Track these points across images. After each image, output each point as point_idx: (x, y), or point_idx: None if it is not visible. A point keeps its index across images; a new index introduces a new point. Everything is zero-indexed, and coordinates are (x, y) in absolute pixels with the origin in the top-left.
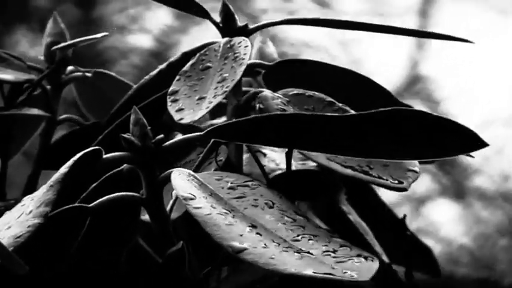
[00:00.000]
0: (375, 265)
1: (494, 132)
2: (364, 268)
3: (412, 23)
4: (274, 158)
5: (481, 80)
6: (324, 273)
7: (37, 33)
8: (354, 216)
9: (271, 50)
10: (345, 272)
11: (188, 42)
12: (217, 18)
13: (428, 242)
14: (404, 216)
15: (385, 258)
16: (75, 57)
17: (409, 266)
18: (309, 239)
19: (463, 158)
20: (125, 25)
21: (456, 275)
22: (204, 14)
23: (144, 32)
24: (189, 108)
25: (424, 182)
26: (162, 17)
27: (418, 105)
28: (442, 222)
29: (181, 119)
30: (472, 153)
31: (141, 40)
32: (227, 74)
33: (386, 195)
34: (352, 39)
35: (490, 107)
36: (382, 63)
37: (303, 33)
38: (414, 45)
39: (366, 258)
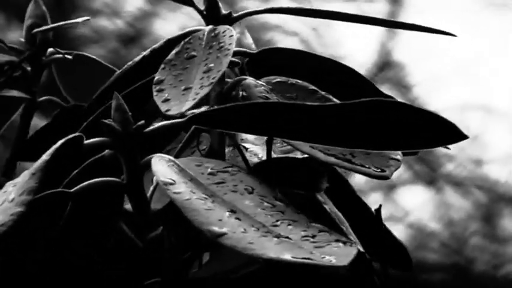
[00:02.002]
0: (353, 250)
1: (467, 118)
2: (342, 253)
3: (384, 8)
4: (256, 151)
5: (453, 66)
6: (303, 258)
7: (12, 18)
8: (329, 206)
9: (249, 40)
10: (323, 257)
11: (162, 26)
12: (201, 6)
13: (399, 227)
14: (380, 207)
15: (360, 247)
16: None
17: (383, 261)
18: (288, 224)
19: None
20: (99, 9)
21: (426, 261)
22: (188, 1)
23: (117, 16)
24: (175, 99)
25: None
26: (135, 1)
27: (390, 91)
28: (413, 208)
29: (168, 110)
30: (449, 146)
31: (115, 24)
32: (212, 64)
33: (358, 182)
34: (323, 23)
35: (462, 93)
36: (354, 48)
37: (275, 18)
38: (386, 30)
39: (344, 243)
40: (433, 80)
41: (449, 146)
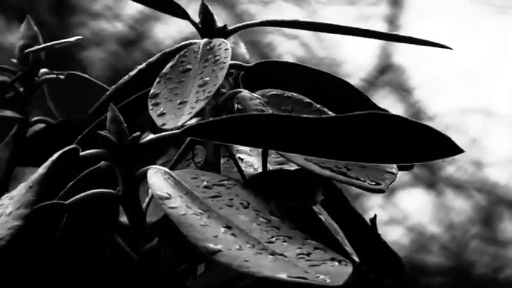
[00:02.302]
0: (348, 269)
1: (466, 121)
2: (337, 273)
3: (384, 11)
4: (252, 162)
5: (453, 69)
6: (298, 277)
7: (11, 21)
8: (324, 216)
9: (243, 50)
10: (318, 276)
11: (162, 29)
12: (196, 19)
13: (399, 230)
14: (375, 216)
15: (355, 257)
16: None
17: (380, 273)
18: (283, 241)
19: None
20: (100, 12)
21: (426, 264)
22: (183, 15)
23: (118, 19)
24: (170, 113)
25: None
26: (136, 5)
27: (390, 94)
28: (413, 211)
29: (163, 124)
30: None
31: (115, 27)
32: (208, 78)
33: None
34: None
35: (462, 96)
36: (354, 51)
37: None
38: None
39: (339, 262)
40: (433, 83)
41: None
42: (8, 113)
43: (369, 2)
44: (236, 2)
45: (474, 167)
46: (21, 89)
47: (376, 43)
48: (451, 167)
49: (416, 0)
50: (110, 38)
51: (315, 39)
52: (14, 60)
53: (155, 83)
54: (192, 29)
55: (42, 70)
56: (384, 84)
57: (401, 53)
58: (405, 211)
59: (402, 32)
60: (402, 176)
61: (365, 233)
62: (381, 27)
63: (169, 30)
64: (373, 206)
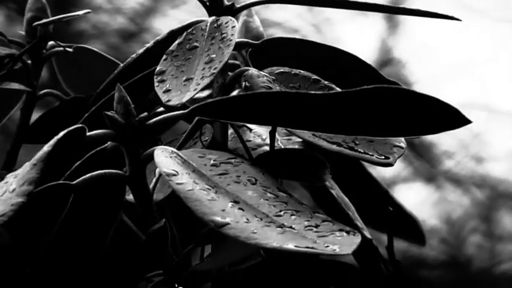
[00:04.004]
0: (356, 239)
1: (467, 116)
2: (346, 242)
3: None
4: (261, 133)
5: (454, 63)
6: (306, 247)
7: (13, 12)
8: (336, 191)
9: (257, 23)
10: (327, 246)
11: (163, 22)
12: None
13: None
14: (387, 191)
15: (366, 233)
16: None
17: (391, 235)
18: (291, 215)
19: (436, 141)
20: (100, 4)
21: (425, 258)
22: None
23: (118, 12)
24: (176, 90)
25: (395, 165)
26: None
27: None
28: (412, 205)
29: (168, 100)
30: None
31: (116, 20)
32: (214, 55)
33: None
34: (324, 20)
35: (462, 91)
36: (355, 45)
37: (276, 15)
38: (386, 28)
39: (348, 232)
40: (434, 78)
41: (450, 142)
42: (16, 85)
43: None
44: None
45: (474, 161)
46: (29, 62)
47: (376, 37)
48: (450, 162)
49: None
50: (110, 31)
51: (315, 33)
52: (22, 33)
53: (162, 60)
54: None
55: (50, 43)
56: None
57: (402, 48)
58: (404, 205)
59: (403, 26)
60: (401, 170)
61: (380, 197)
62: (381, 22)
63: (169, 23)
64: None
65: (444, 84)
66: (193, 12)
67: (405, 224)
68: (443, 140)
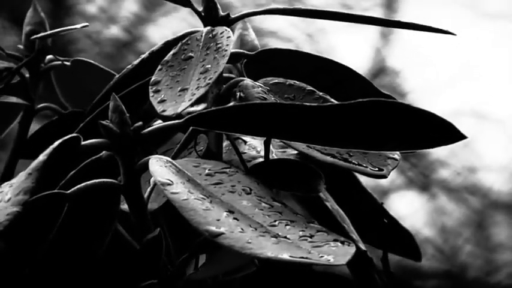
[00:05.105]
0: (351, 249)
1: (461, 125)
2: (340, 252)
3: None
4: (255, 145)
5: (448, 73)
6: (301, 257)
7: (6, 23)
8: (331, 203)
9: (252, 36)
10: (322, 256)
11: (157, 32)
12: (199, 7)
13: None
14: (382, 203)
15: (361, 245)
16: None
17: (386, 250)
18: (286, 225)
19: (429, 150)
20: (95, 14)
21: (419, 267)
22: (186, 3)
23: (112, 21)
24: (171, 100)
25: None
26: (130, 7)
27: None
28: (406, 214)
29: (163, 110)
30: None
31: (110, 29)
32: (210, 65)
33: None
34: (318, 30)
35: (456, 100)
36: (349, 54)
37: (270, 24)
38: (379, 37)
39: (342, 242)
40: (428, 86)
41: (443, 151)
42: (14, 99)
43: (364, 6)
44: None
45: (467, 171)
46: (27, 76)
47: (369, 46)
48: (444, 171)
49: (411, 5)
50: (104, 40)
51: (309, 42)
52: (20, 47)
53: (157, 70)
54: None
55: (48, 57)
56: (378, 87)
57: (396, 56)
58: (398, 214)
59: (396, 36)
60: (395, 179)
61: (375, 211)
62: (375, 31)
63: (164, 33)
64: None
65: (439, 92)
66: (184, 19)
67: (400, 239)
68: (436, 149)
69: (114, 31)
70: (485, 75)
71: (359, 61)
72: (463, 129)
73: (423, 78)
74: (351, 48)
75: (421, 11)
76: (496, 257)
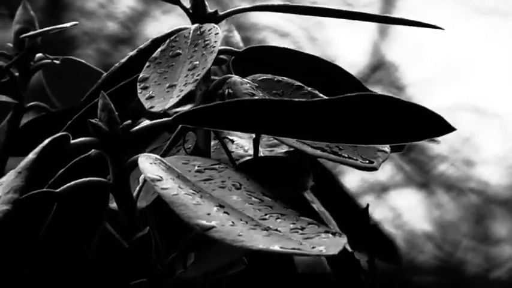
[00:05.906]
0: (343, 240)
1: (459, 120)
2: (332, 243)
3: (377, 12)
4: (243, 144)
5: (446, 67)
6: (292, 248)
7: (5, 18)
8: (317, 205)
9: (237, 38)
10: (313, 247)
11: (155, 28)
12: (187, 4)
13: (391, 229)
14: (367, 206)
15: (347, 247)
16: (42, 42)
17: (372, 255)
18: (276, 218)
19: (428, 145)
20: (92, 10)
21: (418, 263)
22: (174, 0)
23: (109, 17)
24: (159, 96)
25: (387, 170)
26: (129, 3)
27: (382, 92)
28: (405, 210)
29: (151, 107)
30: (438, 140)
31: (107, 25)
32: (197, 62)
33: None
34: (315, 24)
35: (454, 94)
36: (346, 49)
37: (266, 19)
38: (377, 31)
39: (333, 234)
40: (425, 81)
41: (441, 146)
42: (3, 97)
43: (363, 3)
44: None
45: (466, 166)
46: (17, 74)
47: (367, 40)
48: (442, 166)
49: (410, 1)
50: (102, 37)
51: (306, 36)
52: (10, 45)
53: (145, 67)
54: (184, 26)
55: (38, 55)
56: (375, 82)
57: (394, 50)
58: (397, 210)
59: (394, 30)
60: (394, 175)
61: (358, 218)
62: (372, 26)
63: (161, 28)
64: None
65: (437, 86)
66: (185, 17)
67: (381, 244)
68: (435, 145)
69: (112, 27)
70: (484, 70)
71: (357, 55)
72: (461, 124)
73: (422, 72)
74: (349, 42)
75: (419, 6)
76: (495, 252)
